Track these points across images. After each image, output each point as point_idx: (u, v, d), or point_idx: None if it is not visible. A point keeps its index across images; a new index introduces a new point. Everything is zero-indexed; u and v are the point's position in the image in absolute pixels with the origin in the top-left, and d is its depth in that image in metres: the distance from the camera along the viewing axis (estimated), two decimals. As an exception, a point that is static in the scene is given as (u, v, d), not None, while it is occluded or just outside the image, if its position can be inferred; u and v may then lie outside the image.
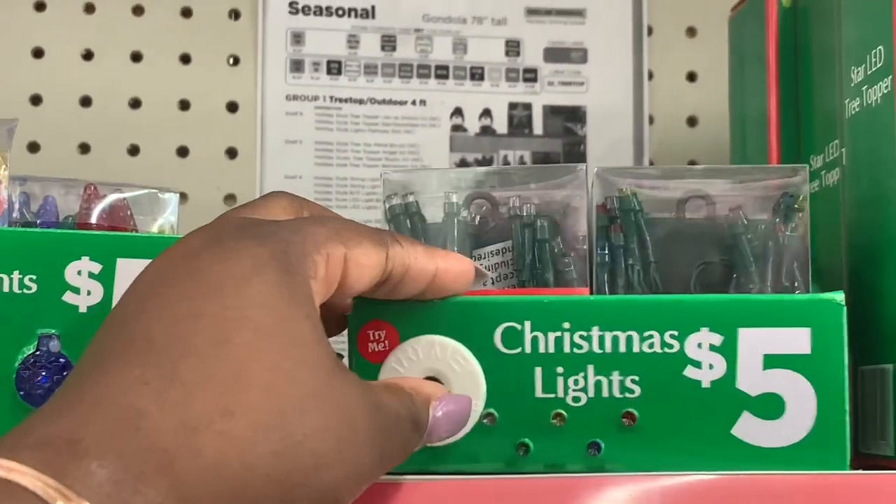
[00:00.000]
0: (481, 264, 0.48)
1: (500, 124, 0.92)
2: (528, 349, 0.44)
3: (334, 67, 0.91)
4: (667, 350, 0.44)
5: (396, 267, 0.41)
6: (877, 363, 0.47)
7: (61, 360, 0.47)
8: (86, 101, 0.89)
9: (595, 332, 0.44)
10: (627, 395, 0.44)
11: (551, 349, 0.44)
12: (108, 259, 0.47)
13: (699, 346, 0.44)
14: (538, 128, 0.92)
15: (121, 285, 0.47)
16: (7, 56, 0.88)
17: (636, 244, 0.49)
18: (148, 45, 0.90)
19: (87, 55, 0.90)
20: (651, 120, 0.93)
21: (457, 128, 0.92)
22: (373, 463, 0.37)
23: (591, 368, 0.44)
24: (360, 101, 0.91)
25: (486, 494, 0.43)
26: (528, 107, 0.92)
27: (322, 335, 0.37)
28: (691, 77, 0.94)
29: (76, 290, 0.47)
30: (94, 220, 0.53)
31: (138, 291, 0.36)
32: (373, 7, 0.92)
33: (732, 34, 0.72)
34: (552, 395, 0.44)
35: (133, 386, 0.33)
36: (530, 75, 0.93)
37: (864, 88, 0.51)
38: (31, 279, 0.47)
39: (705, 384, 0.44)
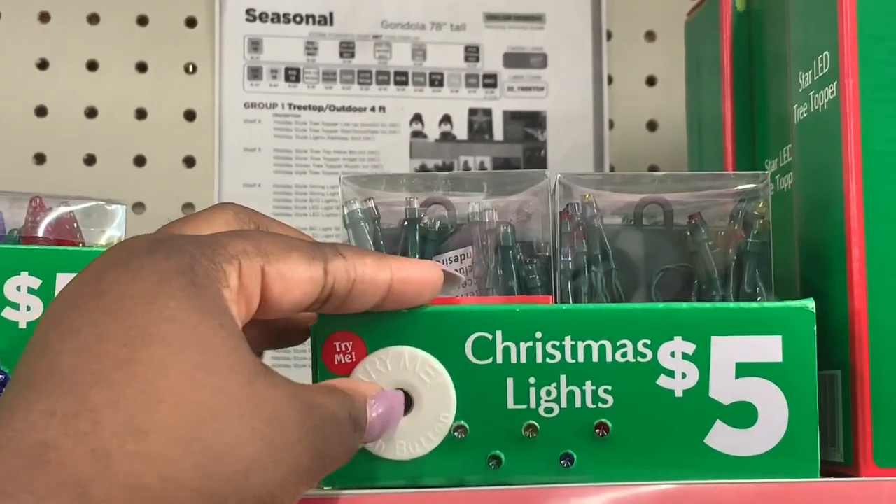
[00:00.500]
0: None
1: (461, 130, 0.92)
2: (499, 359, 0.44)
3: (293, 74, 0.91)
4: (640, 359, 0.44)
5: (339, 280, 0.40)
6: (825, 369, 0.47)
7: (0, 376, 0.46)
8: (41, 111, 0.88)
9: (567, 342, 0.44)
10: (600, 405, 0.44)
11: (523, 359, 0.44)
12: (48, 274, 0.47)
13: (672, 354, 0.44)
14: (498, 133, 0.92)
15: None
16: (-41, 66, 0.87)
17: (598, 251, 0.49)
18: (103, 54, 0.89)
19: (42, 64, 0.88)
20: (611, 124, 0.93)
21: (417, 134, 0.91)
22: (311, 463, 0.36)
23: (563, 379, 0.44)
24: (319, 109, 0.91)
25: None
26: (488, 112, 0.92)
27: (241, 343, 0.36)
28: (651, 81, 0.94)
29: (15, 306, 0.47)
30: (40, 233, 0.52)
31: (48, 320, 0.35)
32: (331, 14, 0.91)
33: (689, 39, 0.72)
34: (524, 407, 0.44)
35: (40, 419, 0.32)
36: (490, 81, 0.92)
37: (811, 94, 0.51)
38: (-31, 295, 0.46)
39: (678, 393, 0.44)
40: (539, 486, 0.43)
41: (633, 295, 0.49)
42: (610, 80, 0.93)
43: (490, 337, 0.44)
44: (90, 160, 0.88)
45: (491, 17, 0.93)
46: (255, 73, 0.90)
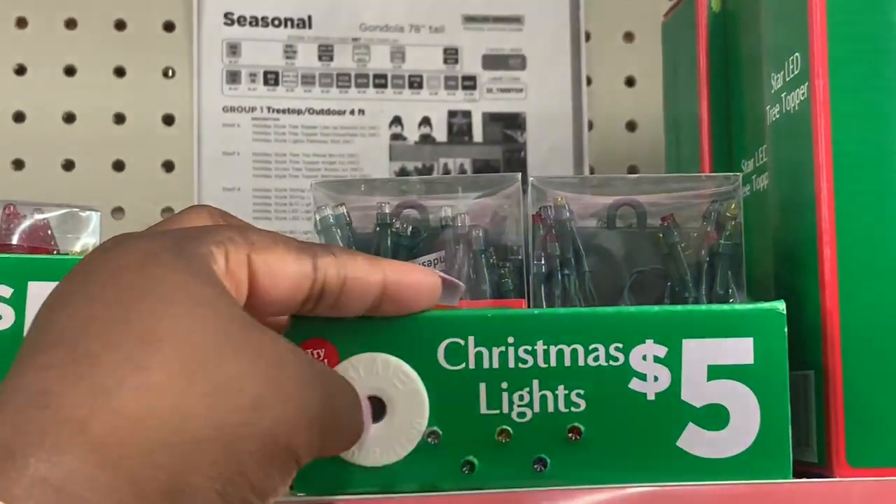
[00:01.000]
0: None
1: (440, 132, 0.92)
2: (471, 365, 0.44)
3: (271, 78, 0.90)
4: (612, 363, 0.44)
5: (330, 278, 0.39)
6: (799, 369, 0.47)
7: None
8: (19, 117, 0.88)
9: (540, 347, 0.44)
10: (573, 409, 0.44)
11: (496, 364, 0.44)
12: (19, 282, 0.47)
13: (644, 358, 0.44)
14: (478, 135, 0.92)
15: (32, 308, 0.46)
16: (-64, 72, 0.87)
17: (571, 254, 0.49)
18: (81, 59, 0.89)
19: (20, 70, 0.88)
20: (590, 125, 0.93)
21: (396, 136, 0.91)
22: (321, 410, 0.36)
23: (535, 383, 0.44)
24: (298, 112, 0.90)
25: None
26: (467, 114, 0.92)
27: (234, 302, 0.36)
28: (629, 82, 0.94)
29: None
30: (14, 241, 0.52)
31: (42, 306, 0.36)
32: (309, 17, 0.91)
33: (665, 39, 0.72)
34: (497, 412, 0.44)
35: (38, 373, 0.32)
36: (469, 83, 0.92)
37: (783, 95, 0.51)
38: (-59, 305, 0.46)
39: (650, 396, 0.44)
40: (513, 491, 0.43)
41: (607, 297, 0.49)
42: (589, 81, 0.93)
43: (462, 342, 0.44)
44: (68, 165, 0.88)
45: (469, 19, 0.93)
46: (233, 77, 0.90)
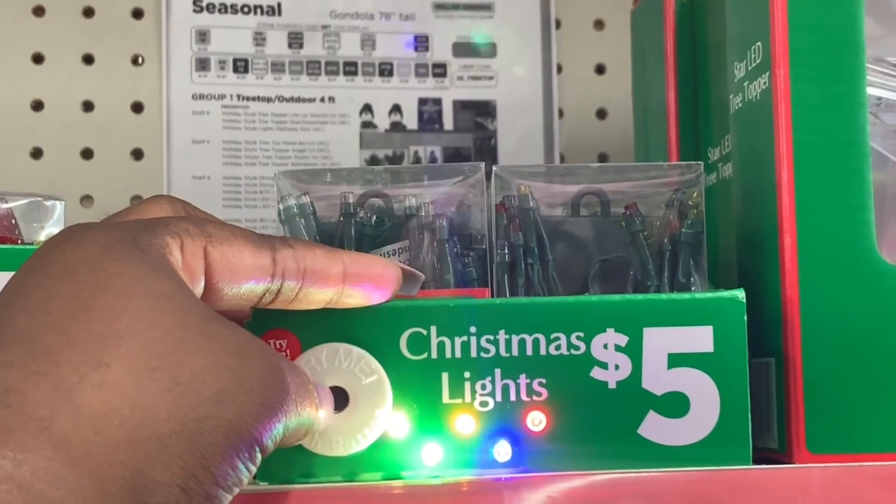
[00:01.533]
0: None
1: (411, 120, 0.92)
2: (434, 354, 0.44)
3: (241, 65, 0.90)
4: (573, 352, 0.44)
5: (289, 271, 0.39)
6: (760, 357, 0.47)
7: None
8: (-15, 105, 0.87)
9: (502, 336, 0.44)
10: (535, 398, 0.44)
11: (458, 354, 0.44)
12: None
13: (605, 346, 0.44)
14: (448, 123, 0.92)
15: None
16: None
17: (535, 243, 0.49)
18: (49, 46, 0.88)
19: (-14, 58, 0.88)
20: (561, 113, 0.93)
21: (367, 124, 0.91)
22: (283, 395, 0.36)
23: (498, 372, 0.44)
24: (268, 100, 0.90)
25: (389, 500, 0.42)
26: (438, 102, 0.92)
27: (192, 294, 0.36)
28: (600, 70, 0.94)
29: None
30: (-22, 230, 0.52)
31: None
32: (279, 4, 0.91)
33: (634, 28, 0.72)
34: (459, 400, 0.44)
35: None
36: (439, 70, 0.92)
37: (745, 84, 0.51)
38: None
39: (612, 385, 0.44)
40: (475, 479, 0.44)
41: (571, 286, 0.50)
42: (559, 69, 0.93)
43: (425, 332, 0.44)
44: (36, 153, 0.88)
45: (440, 7, 0.93)
46: (202, 65, 0.90)
